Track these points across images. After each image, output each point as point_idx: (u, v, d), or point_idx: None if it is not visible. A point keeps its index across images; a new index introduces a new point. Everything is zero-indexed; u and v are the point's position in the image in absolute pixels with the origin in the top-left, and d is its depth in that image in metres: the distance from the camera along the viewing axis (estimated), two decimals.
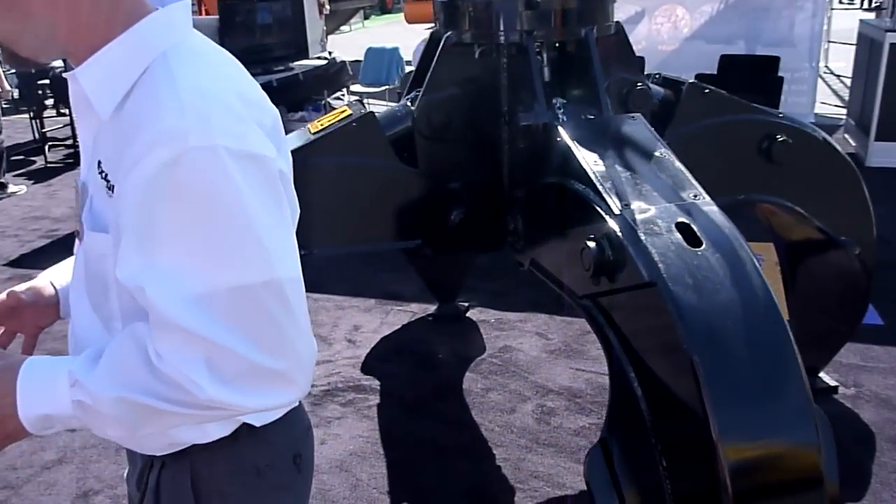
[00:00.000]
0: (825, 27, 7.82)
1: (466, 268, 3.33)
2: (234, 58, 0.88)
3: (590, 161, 1.56)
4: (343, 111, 2.00)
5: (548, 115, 1.78)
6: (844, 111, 6.90)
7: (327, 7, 7.91)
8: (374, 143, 1.93)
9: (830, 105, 7.72)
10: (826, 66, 8.88)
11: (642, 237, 1.39)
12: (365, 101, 8.00)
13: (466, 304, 3.46)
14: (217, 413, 0.81)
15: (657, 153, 1.62)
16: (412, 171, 1.98)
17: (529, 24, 1.82)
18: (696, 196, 1.50)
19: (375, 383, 2.89)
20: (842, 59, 8.81)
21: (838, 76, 8.88)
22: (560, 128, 1.68)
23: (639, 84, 2.00)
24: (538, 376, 2.89)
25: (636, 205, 1.46)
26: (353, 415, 2.68)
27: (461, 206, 2.01)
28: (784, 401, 1.27)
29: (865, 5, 8.64)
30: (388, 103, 8.10)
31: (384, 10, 18.65)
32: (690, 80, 2.15)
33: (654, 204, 1.47)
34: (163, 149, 0.72)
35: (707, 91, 2.18)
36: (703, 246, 1.38)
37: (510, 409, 2.68)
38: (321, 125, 1.96)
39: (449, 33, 1.92)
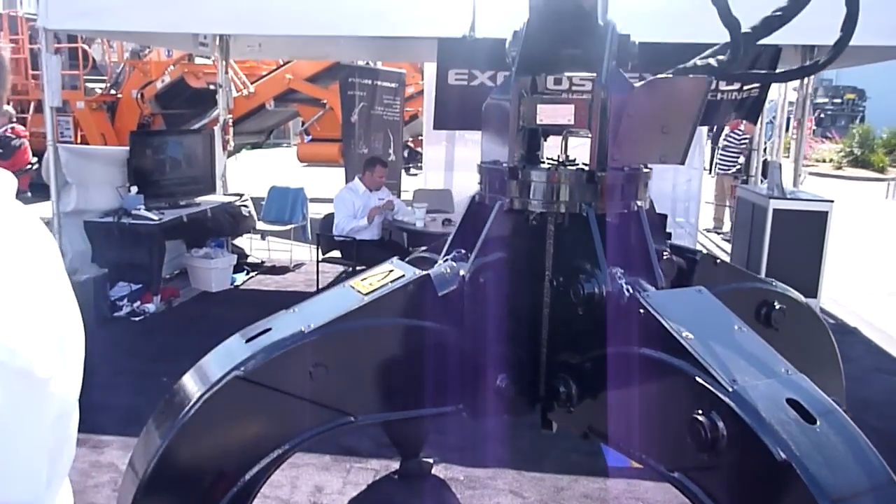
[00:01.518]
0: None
1: (431, 421, 3.22)
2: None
3: (683, 335, 1.59)
4: (390, 270, 1.95)
5: (612, 285, 1.81)
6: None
7: (231, 143, 7.87)
8: (428, 305, 1.88)
9: None
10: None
11: (763, 414, 1.40)
12: (268, 238, 7.86)
13: (431, 461, 3.32)
14: None
15: (736, 327, 1.67)
16: (461, 333, 1.93)
17: (589, 196, 1.88)
18: (787, 371, 1.55)
19: None
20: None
21: (704, 231, 9.79)
22: (640, 298, 1.70)
23: (665, 253, 2.10)
24: None
25: (743, 380, 1.48)
26: None
27: (507, 370, 1.97)
28: None
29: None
30: (292, 242, 8.07)
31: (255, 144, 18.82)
32: (702, 252, 2.29)
33: (758, 379, 1.50)
34: None
35: (717, 261, 2.33)
36: (818, 423, 1.42)
37: None
38: (371, 286, 1.89)
39: (503, 199, 1.95)
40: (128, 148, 6.29)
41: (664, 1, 4.77)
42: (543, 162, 2.03)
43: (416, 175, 12.86)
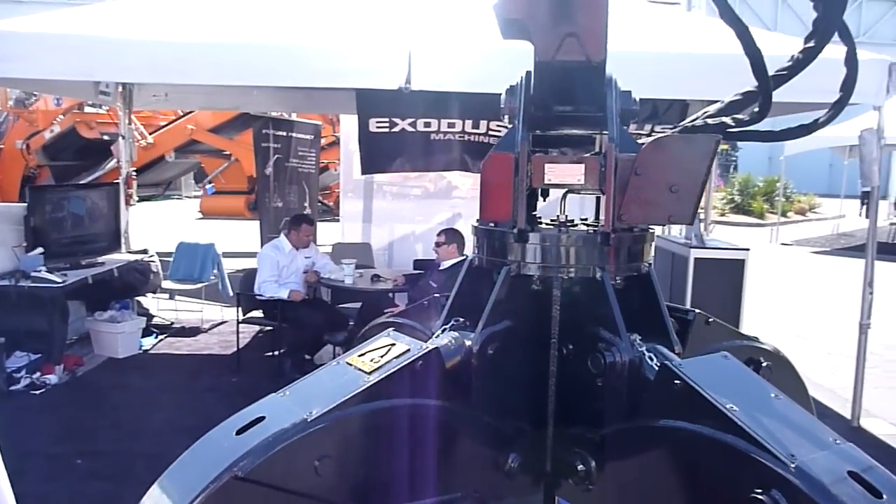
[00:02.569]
0: None
1: None
2: None
3: (728, 406, 1.50)
4: (392, 344, 1.77)
5: (633, 352, 1.71)
6: None
7: (135, 197, 7.45)
8: (438, 381, 1.72)
9: None
10: None
11: (833, 491, 1.32)
12: (176, 297, 7.43)
13: None
14: None
15: (772, 395, 1.60)
16: (468, 411, 1.78)
17: (603, 259, 1.79)
18: (836, 440, 1.49)
19: None
20: None
21: None
22: (674, 368, 1.61)
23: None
24: None
25: (801, 454, 1.40)
26: None
27: (518, 448, 1.82)
28: None
29: None
30: (203, 302, 7.62)
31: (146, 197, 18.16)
32: (695, 311, 2.24)
33: (813, 452, 1.42)
34: None
35: (710, 320, 2.28)
36: (885, 498, 1.35)
37: None
38: (374, 362, 1.71)
39: (509, 265, 1.83)
40: (25, 204, 5.79)
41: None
42: (547, 223, 1.93)
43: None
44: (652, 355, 1.74)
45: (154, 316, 7.21)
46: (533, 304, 1.85)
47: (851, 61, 1.80)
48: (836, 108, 1.84)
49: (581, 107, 1.87)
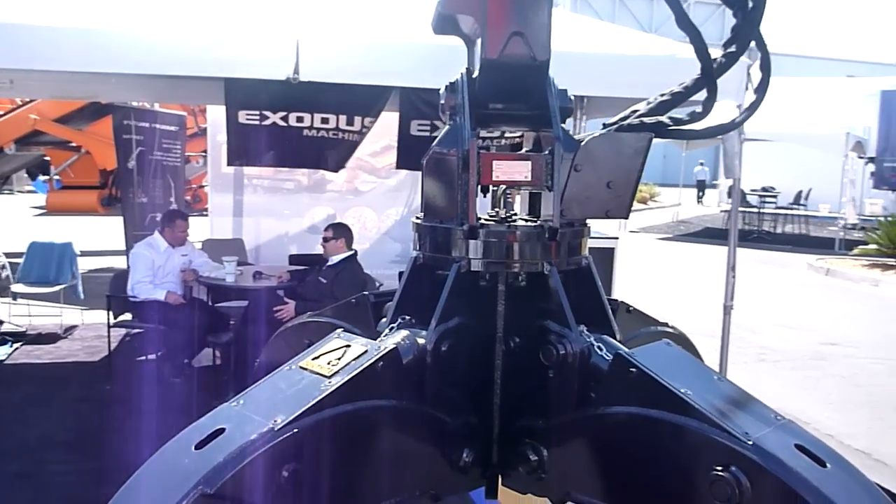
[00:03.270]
0: None
1: None
2: None
3: (682, 391, 1.58)
4: (346, 345, 1.73)
5: (583, 343, 1.77)
6: None
7: None
8: (396, 382, 1.70)
9: None
10: None
11: (788, 463, 1.44)
12: (30, 303, 6.82)
13: None
14: None
15: (715, 377, 1.71)
16: (422, 409, 1.77)
17: (550, 253, 1.84)
18: (778, 417, 1.61)
19: None
20: None
21: None
22: (628, 357, 1.68)
23: None
24: None
25: (753, 431, 1.51)
26: None
27: (471, 443, 1.84)
28: None
29: None
30: (62, 306, 7.03)
31: None
32: (617, 300, 2.34)
33: (761, 429, 1.53)
34: None
35: (631, 308, 2.40)
36: (829, 466, 1.48)
37: None
38: (331, 365, 1.66)
39: (459, 262, 1.84)
40: None
41: None
42: (486, 219, 1.95)
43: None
44: (601, 345, 1.81)
45: (3, 322, 6.59)
46: (483, 300, 1.87)
47: (765, 66, 1.94)
48: (751, 109, 1.98)
49: (525, 105, 1.91)
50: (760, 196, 24.34)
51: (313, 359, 1.72)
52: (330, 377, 1.63)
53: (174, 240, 5.57)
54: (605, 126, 2.11)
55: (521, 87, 1.88)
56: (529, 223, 1.91)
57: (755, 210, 21.70)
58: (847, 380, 6.08)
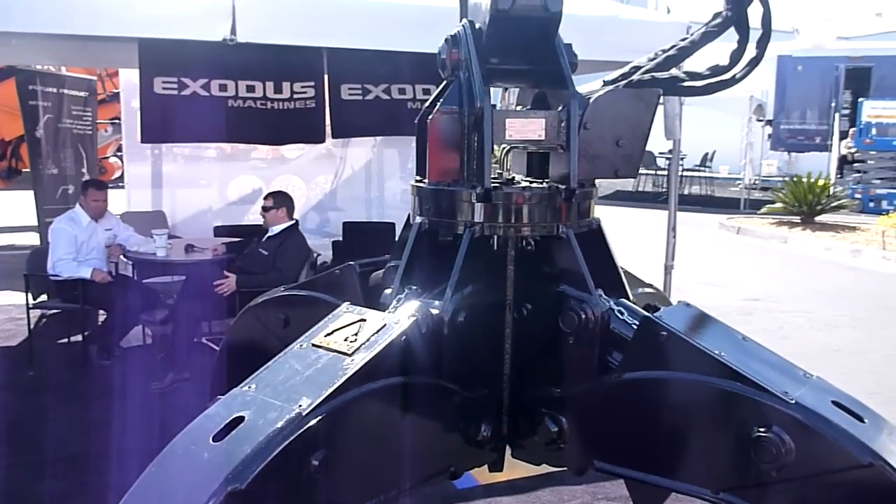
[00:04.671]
0: None
1: None
2: None
3: (717, 354, 1.55)
4: (357, 318, 1.61)
5: (603, 307, 1.71)
6: None
7: None
8: (416, 356, 1.60)
9: None
10: None
11: (833, 420, 1.42)
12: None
13: None
14: None
15: (741, 338, 1.68)
16: (441, 384, 1.68)
17: (566, 216, 1.76)
18: (807, 375, 1.60)
19: None
20: None
21: None
22: (658, 321, 1.62)
23: None
24: None
25: (791, 390, 1.49)
26: None
27: (489, 416, 1.76)
28: None
29: None
30: None
31: None
32: None
33: (798, 388, 1.51)
34: None
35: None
36: (866, 421, 1.48)
37: None
38: (349, 342, 1.54)
39: (472, 227, 1.73)
40: None
41: None
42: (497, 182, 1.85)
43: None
44: (622, 309, 1.75)
45: None
46: (498, 266, 1.78)
47: (766, 21, 1.88)
48: (752, 64, 1.93)
49: (534, 60, 1.80)
50: (668, 158, 25.11)
51: (326, 335, 1.59)
52: (351, 354, 1.50)
53: (92, 212, 5.19)
54: (605, 83, 2.03)
55: (531, 42, 1.78)
56: (537, 184, 1.82)
57: (664, 172, 22.40)
58: (774, 333, 6.34)
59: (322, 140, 6.86)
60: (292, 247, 4.96)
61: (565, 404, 1.75)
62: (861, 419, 1.48)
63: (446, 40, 1.82)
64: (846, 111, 19.26)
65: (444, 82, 1.88)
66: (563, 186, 1.74)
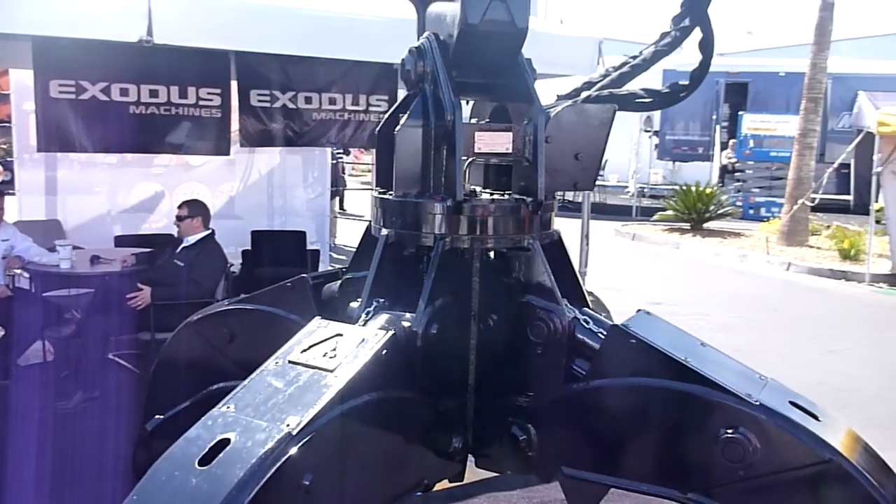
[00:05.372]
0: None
1: None
2: None
3: (684, 360, 1.62)
4: (334, 333, 1.59)
5: (569, 315, 1.76)
6: None
7: None
8: (396, 370, 1.59)
9: None
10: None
11: (796, 420, 1.52)
12: None
13: None
14: None
15: (699, 343, 1.77)
16: (415, 396, 1.67)
17: (534, 228, 1.79)
18: (762, 377, 1.70)
19: None
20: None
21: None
22: (626, 329, 1.68)
23: None
24: None
25: (753, 392, 1.58)
26: None
27: (459, 427, 1.78)
28: None
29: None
30: None
31: None
32: None
33: (758, 390, 1.61)
34: None
35: None
36: (822, 419, 1.59)
37: None
38: (329, 357, 1.52)
39: (442, 239, 1.74)
40: None
41: None
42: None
43: None
44: (587, 318, 1.80)
45: None
46: (466, 278, 1.79)
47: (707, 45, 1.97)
48: (698, 80, 2.02)
49: (503, 74, 1.83)
50: None
51: (303, 351, 1.55)
52: (333, 370, 1.48)
53: None
54: (558, 97, 2.09)
55: (497, 56, 1.80)
56: (500, 197, 1.85)
57: None
58: None
59: (227, 153, 6.67)
60: (209, 258, 4.79)
61: (533, 413, 1.79)
62: (816, 418, 1.58)
63: (410, 52, 1.82)
64: (725, 123, 20.48)
65: (406, 94, 1.89)
66: (531, 199, 1.78)
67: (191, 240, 4.91)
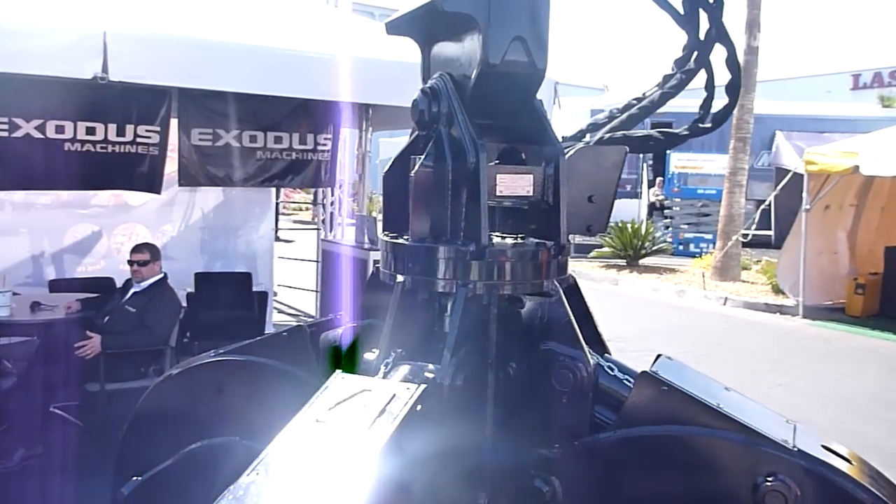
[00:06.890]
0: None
1: None
2: None
3: (717, 405, 1.59)
4: (355, 388, 1.49)
5: (592, 362, 1.72)
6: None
7: None
8: (428, 426, 1.50)
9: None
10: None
11: (836, 465, 1.51)
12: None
13: None
14: None
15: (723, 388, 1.75)
16: (447, 453, 1.59)
17: (550, 272, 1.75)
18: (789, 421, 1.69)
19: None
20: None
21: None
22: (655, 375, 1.65)
23: None
24: None
25: (789, 438, 1.56)
26: None
27: (485, 485, 1.70)
28: None
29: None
30: None
31: None
32: None
33: (791, 435, 1.59)
34: None
35: None
36: (854, 462, 1.58)
37: None
38: (359, 415, 1.42)
39: (462, 286, 1.68)
40: None
41: None
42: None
43: None
44: (611, 365, 1.77)
45: None
46: (488, 325, 1.72)
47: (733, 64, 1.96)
48: (724, 113, 2.01)
49: (519, 115, 1.80)
50: None
51: (329, 409, 1.45)
52: (370, 429, 1.39)
53: None
54: (563, 139, 2.07)
55: (514, 97, 1.77)
56: (519, 241, 1.81)
57: None
58: None
59: (158, 191, 6.49)
60: (163, 302, 4.57)
61: (557, 465, 1.72)
62: (849, 461, 1.57)
63: (424, 92, 1.77)
64: (651, 162, 21.15)
65: (416, 136, 1.83)
66: (551, 243, 1.74)
67: (143, 284, 4.69)
